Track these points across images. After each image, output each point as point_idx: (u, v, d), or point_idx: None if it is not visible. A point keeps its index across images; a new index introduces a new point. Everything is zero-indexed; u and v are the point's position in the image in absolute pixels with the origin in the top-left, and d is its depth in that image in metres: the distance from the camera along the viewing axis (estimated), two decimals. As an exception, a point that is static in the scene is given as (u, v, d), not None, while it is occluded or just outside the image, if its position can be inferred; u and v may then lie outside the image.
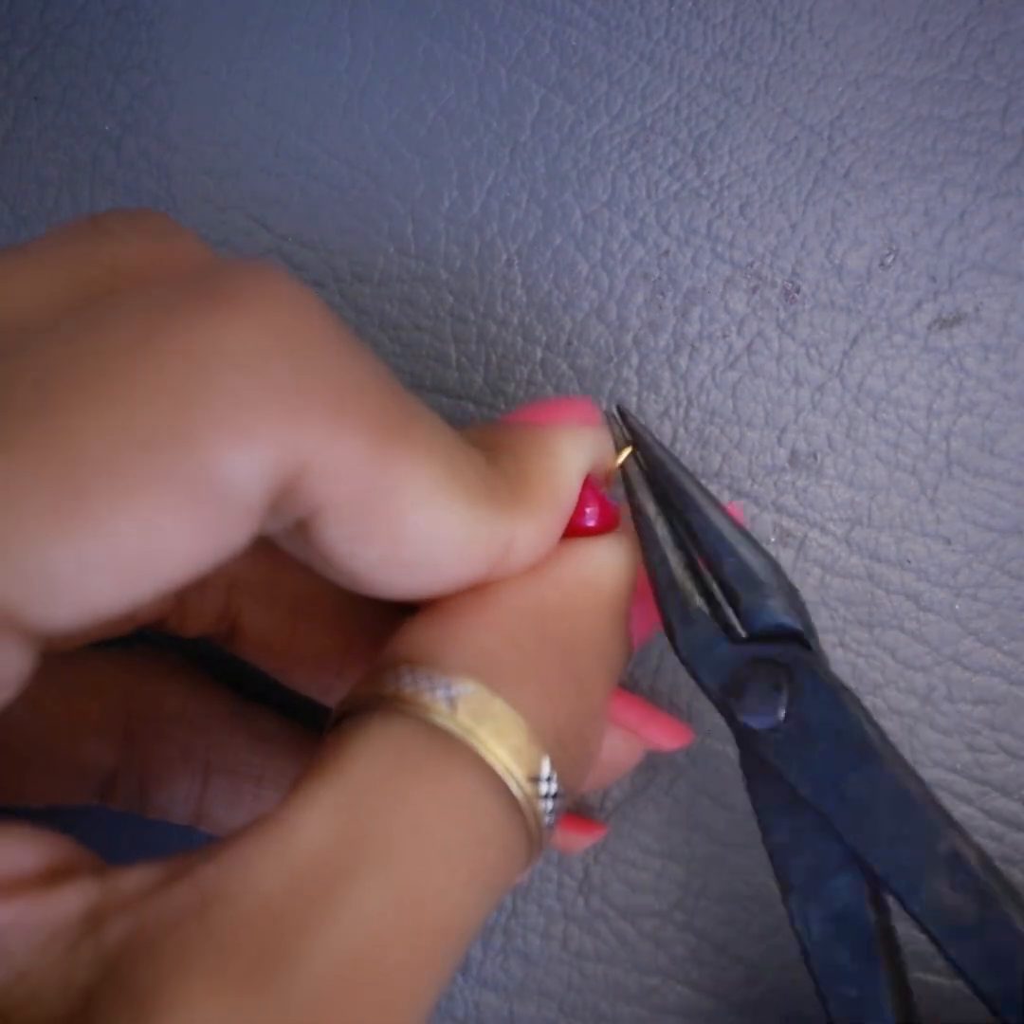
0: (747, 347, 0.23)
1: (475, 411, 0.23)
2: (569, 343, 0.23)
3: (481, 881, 0.15)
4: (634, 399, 0.23)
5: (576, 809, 0.22)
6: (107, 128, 0.23)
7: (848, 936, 0.17)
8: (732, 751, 0.22)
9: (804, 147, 0.23)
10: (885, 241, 0.23)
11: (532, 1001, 0.22)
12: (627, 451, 0.19)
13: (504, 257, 0.23)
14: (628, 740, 0.20)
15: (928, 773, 0.22)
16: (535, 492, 0.18)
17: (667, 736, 0.21)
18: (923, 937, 0.22)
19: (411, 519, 0.15)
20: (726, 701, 0.18)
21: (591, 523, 0.19)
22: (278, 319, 0.14)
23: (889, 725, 0.22)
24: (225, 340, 0.13)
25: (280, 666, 0.20)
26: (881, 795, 0.17)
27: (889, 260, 0.23)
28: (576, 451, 0.18)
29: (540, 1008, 0.22)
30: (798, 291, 0.23)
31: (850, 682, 0.22)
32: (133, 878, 0.14)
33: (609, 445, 0.19)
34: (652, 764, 0.22)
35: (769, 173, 0.23)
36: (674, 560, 0.18)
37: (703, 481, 0.23)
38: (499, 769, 0.15)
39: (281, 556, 0.19)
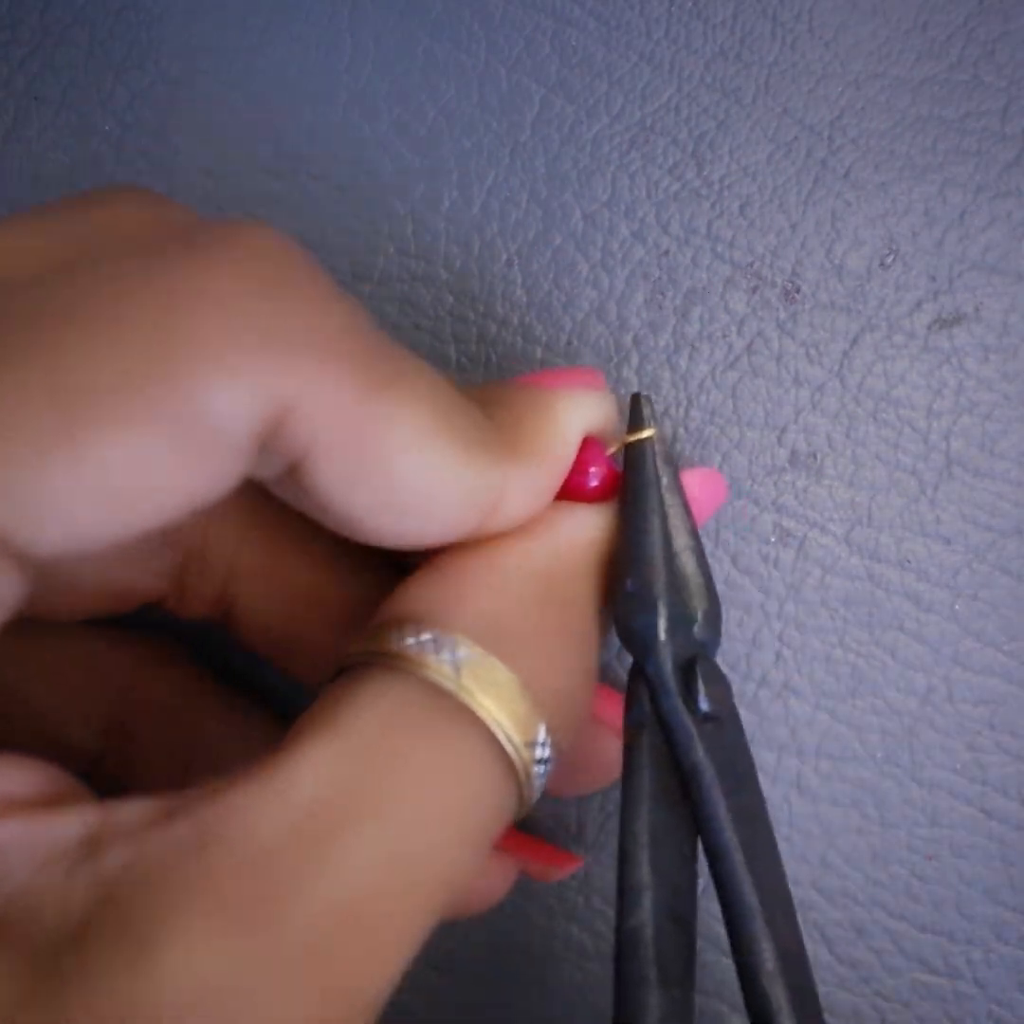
0: (747, 347, 0.23)
1: (475, 411, 0.23)
2: (569, 343, 0.23)
3: (472, 839, 0.15)
4: (634, 399, 0.23)
5: (577, 824, 0.22)
6: (107, 128, 0.23)
7: (684, 940, 0.17)
8: (732, 751, 0.22)
9: (804, 147, 0.23)
10: (885, 241, 0.23)
11: (533, 999, 0.22)
12: (650, 432, 0.19)
13: (504, 257, 0.23)
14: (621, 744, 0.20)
15: (928, 774, 0.22)
16: (529, 444, 0.18)
17: None
18: (926, 936, 0.22)
19: (399, 461, 0.15)
20: (688, 680, 0.18)
21: (594, 483, 0.19)
22: (263, 265, 0.14)
23: (890, 725, 0.22)
24: (211, 283, 0.14)
25: (277, 653, 0.20)
26: (763, 818, 0.18)
27: (889, 260, 0.23)
28: (574, 411, 0.18)
29: (541, 1007, 0.22)
30: (798, 291, 0.23)
31: (850, 683, 0.22)
32: (132, 810, 0.14)
33: (612, 412, 0.19)
34: (652, 764, 0.22)
35: (769, 173, 0.23)
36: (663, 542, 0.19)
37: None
38: (499, 734, 0.15)
39: (281, 542, 0.19)
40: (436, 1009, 0.22)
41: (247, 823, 0.14)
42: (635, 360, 0.23)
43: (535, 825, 0.22)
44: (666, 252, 0.23)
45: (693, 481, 0.21)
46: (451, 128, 0.23)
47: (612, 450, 0.20)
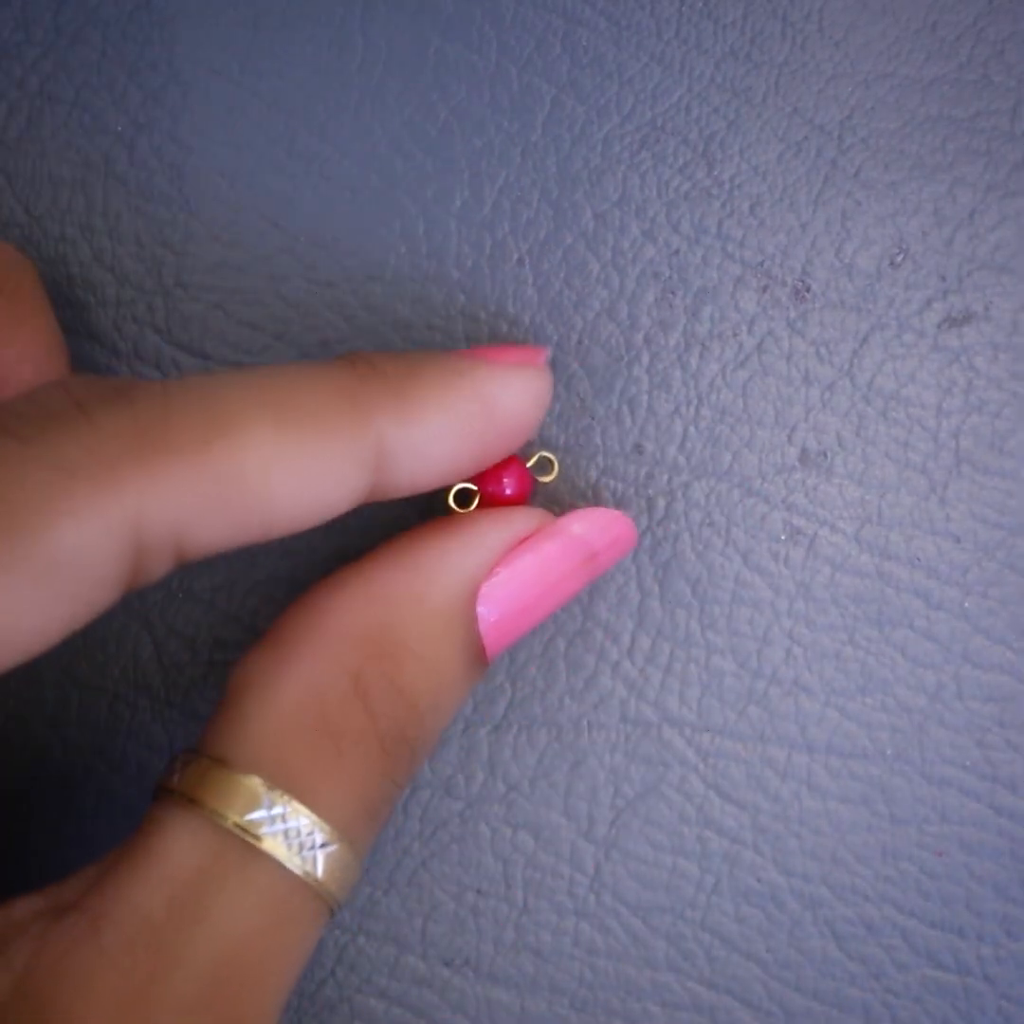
0: (757, 346, 0.23)
1: (486, 410, 0.23)
2: (580, 342, 0.23)
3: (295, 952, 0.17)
4: (645, 398, 0.23)
5: (588, 820, 0.23)
6: (120, 128, 0.23)
7: None
8: (744, 750, 0.22)
9: (814, 147, 0.23)
10: (895, 240, 0.23)
11: (543, 997, 0.22)
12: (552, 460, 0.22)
13: (515, 256, 0.23)
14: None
15: (938, 771, 0.22)
16: (420, 397, 0.18)
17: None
18: (936, 933, 0.22)
19: (270, 490, 0.16)
20: None
21: (509, 492, 0.20)
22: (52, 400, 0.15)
23: (899, 722, 0.22)
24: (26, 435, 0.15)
25: None
26: None
27: (899, 259, 0.23)
28: (490, 377, 0.19)
29: (551, 1004, 0.22)
30: (808, 290, 0.23)
31: (860, 680, 0.22)
32: (23, 907, 0.16)
33: (545, 393, 0.20)
34: (662, 762, 0.22)
35: (779, 173, 0.23)
36: None
37: (714, 480, 0.23)
38: (294, 869, 0.16)
39: None
40: (446, 1004, 0.22)
41: (131, 901, 0.15)
42: (646, 359, 0.23)
43: (543, 823, 0.22)
44: (677, 251, 0.23)
45: (592, 526, 0.20)
46: (462, 128, 0.23)
47: (531, 462, 0.21)
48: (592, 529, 0.20)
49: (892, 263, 0.23)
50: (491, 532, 0.19)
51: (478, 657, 0.19)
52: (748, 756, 0.22)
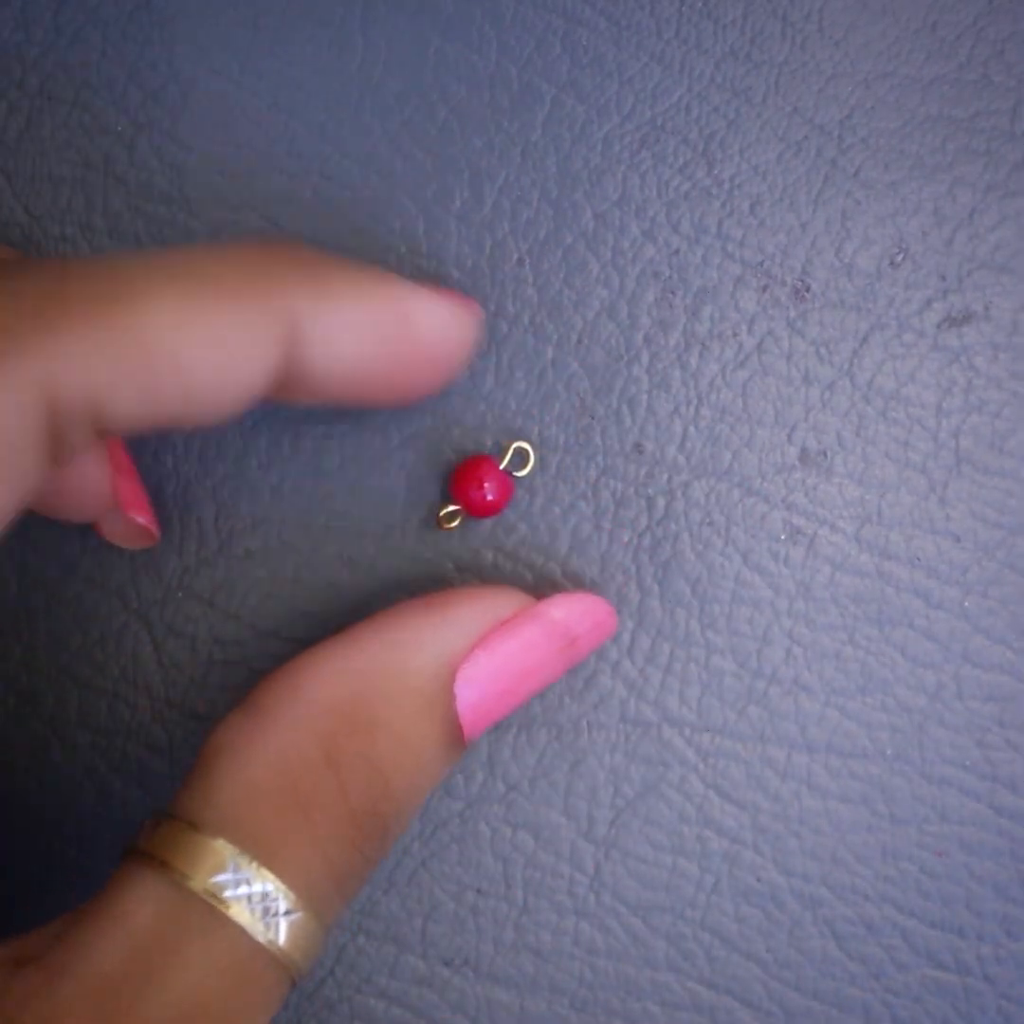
0: (757, 346, 0.23)
1: (486, 409, 0.23)
2: (580, 342, 0.23)
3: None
4: (645, 397, 0.23)
5: (588, 820, 0.23)
6: (120, 128, 0.23)
7: None
8: (744, 749, 0.22)
9: (814, 146, 0.23)
10: (895, 240, 0.23)
11: (543, 997, 0.22)
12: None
13: (515, 256, 0.23)
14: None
15: (938, 770, 0.22)
16: (342, 283, 0.17)
17: None
18: (936, 933, 0.22)
19: (180, 355, 0.16)
20: None
21: (490, 497, 0.21)
22: None
23: (899, 722, 0.22)
24: None
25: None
26: None
27: (899, 259, 0.23)
28: (411, 290, 0.18)
29: (551, 1004, 0.22)
30: (808, 290, 0.23)
31: (860, 680, 0.22)
32: None
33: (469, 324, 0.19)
34: (662, 761, 0.22)
35: (779, 172, 0.23)
36: None
37: (714, 479, 0.23)
38: (256, 935, 0.16)
39: None
40: (446, 1004, 0.22)
41: (89, 956, 0.15)
42: (646, 358, 0.23)
43: (543, 822, 0.22)
44: (676, 251, 0.23)
45: (572, 611, 0.20)
46: (462, 127, 0.23)
47: (504, 463, 0.22)
48: (572, 614, 0.20)
49: (892, 263, 0.23)
50: (471, 613, 0.19)
51: (456, 738, 0.19)
52: (748, 756, 0.22)
